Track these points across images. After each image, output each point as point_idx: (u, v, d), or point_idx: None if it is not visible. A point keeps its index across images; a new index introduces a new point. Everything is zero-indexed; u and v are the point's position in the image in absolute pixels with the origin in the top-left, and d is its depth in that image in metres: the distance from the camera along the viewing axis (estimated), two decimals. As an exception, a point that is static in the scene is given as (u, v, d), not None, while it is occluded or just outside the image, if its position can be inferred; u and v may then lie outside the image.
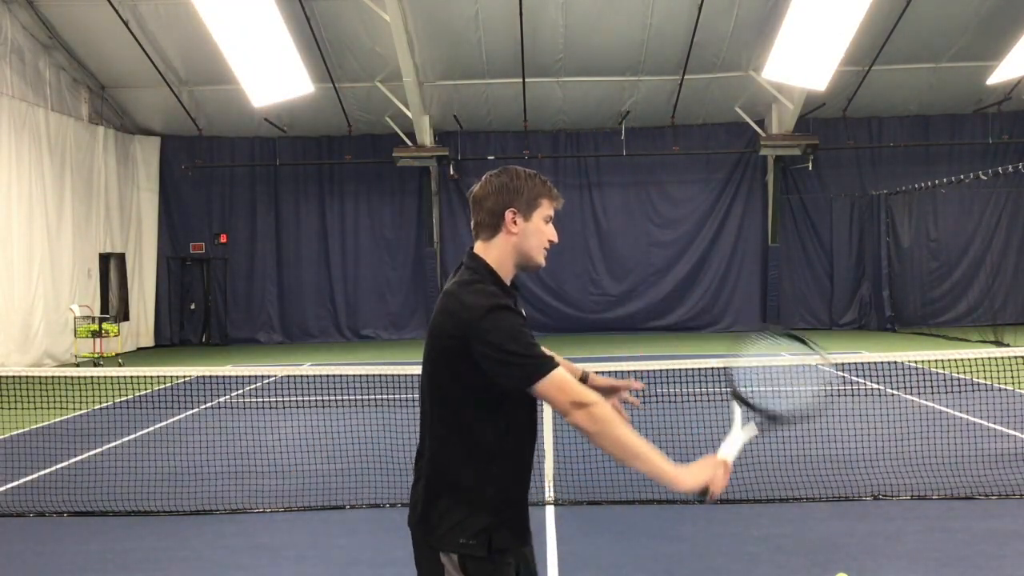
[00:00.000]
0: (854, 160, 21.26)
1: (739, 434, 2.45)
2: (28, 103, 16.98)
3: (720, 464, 2.33)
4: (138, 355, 19.25)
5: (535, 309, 20.40)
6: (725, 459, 2.35)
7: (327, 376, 10.39)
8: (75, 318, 17.32)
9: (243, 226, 21.57)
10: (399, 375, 7.17)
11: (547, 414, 6.33)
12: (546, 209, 2.47)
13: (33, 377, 11.44)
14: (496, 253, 2.44)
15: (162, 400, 11.21)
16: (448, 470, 2.36)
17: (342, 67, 18.76)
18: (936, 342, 17.50)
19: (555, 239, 2.48)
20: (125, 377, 9.53)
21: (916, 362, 11.92)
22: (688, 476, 2.27)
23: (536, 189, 2.46)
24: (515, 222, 2.42)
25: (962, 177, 18.21)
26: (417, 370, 7.28)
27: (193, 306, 21.75)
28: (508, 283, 2.45)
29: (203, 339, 21.56)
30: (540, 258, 2.46)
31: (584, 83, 19.42)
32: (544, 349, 2.32)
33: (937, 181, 18.91)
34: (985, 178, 18.06)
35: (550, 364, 2.26)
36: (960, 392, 9.59)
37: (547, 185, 2.49)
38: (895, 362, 11.30)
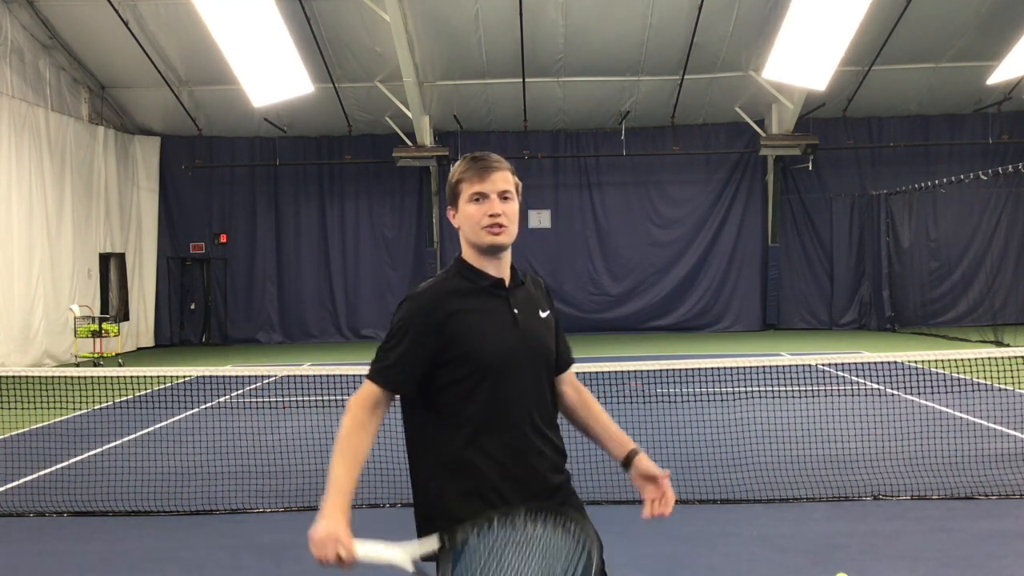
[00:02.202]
0: (854, 160, 21.26)
1: (390, 552, 2.12)
2: (28, 103, 16.98)
3: (336, 540, 2.09)
4: (138, 355, 19.25)
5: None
6: (347, 543, 2.09)
7: (327, 376, 10.38)
8: (75, 318, 17.32)
9: (243, 226, 21.58)
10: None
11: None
12: (467, 191, 2.37)
13: (33, 377, 11.43)
14: (462, 247, 2.46)
15: (162, 400, 11.21)
16: None
17: (342, 67, 18.76)
18: (936, 342, 17.49)
19: (490, 212, 2.33)
20: (125, 377, 9.55)
21: (916, 362, 11.92)
22: (321, 524, 2.11)
23: (454, 178, 2.41)
24: (454, 217, 2.44)
25: (962, 177, 18.21)
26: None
27: (193, 306, 21.76)
28: (491, 271, 2.39)
29: (203, 339, 21.57)
30: (484, 238, 2.35)
31: (584, 83, 19.42)
32: (394, 360, 2.28)
33: (937, 181, 18.91)
34: (985, 178, 18.06)
35: (374, 375, 2.31)
36: (960, 392, 9.58)
37: (466, 165, 2.39)
38: (895, 362, 11.31)
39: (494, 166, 2.37)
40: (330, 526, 2.12)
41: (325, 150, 21.46)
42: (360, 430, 2.31)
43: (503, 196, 2.36)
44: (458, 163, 2.42)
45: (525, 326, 2.38)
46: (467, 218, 2.37)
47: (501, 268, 2.42)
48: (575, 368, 2.70)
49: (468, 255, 2.42)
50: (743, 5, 17.29)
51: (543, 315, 2.47)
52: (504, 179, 2.37)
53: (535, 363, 2.38)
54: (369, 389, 2.33)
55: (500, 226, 2.35)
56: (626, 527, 5.79)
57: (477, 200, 2.35)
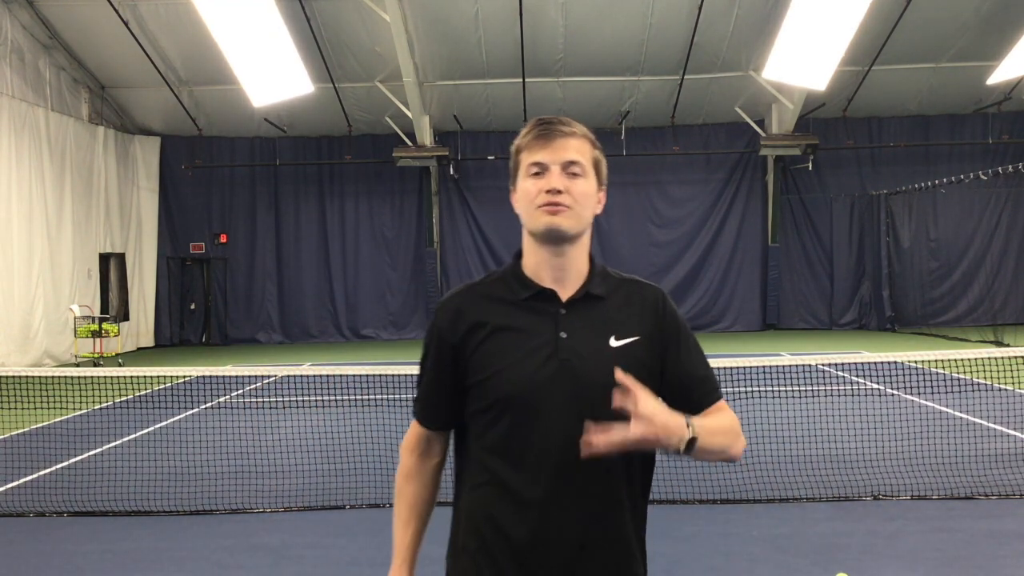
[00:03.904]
0: (854, 160, 21.26)
1: None
2: (28, 103, 16.98)
3: None
4: (138, 355, 19.25)
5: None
6: None
7: (327, 376, 10.38)
8: (75, 318, 17.31)
9: (243, 226, 21.58)
10: (399, 375, 7.17)
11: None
12: (525, 160, 1.87)
13: (33, 377, 11.43)
14: (523, 239, 1.96)
15: (162, 400, 11.20)
16: None
17: (342, 67, 18.76)
18: (936, 342, 17.49)
19: (547, 186, 1.82)
20: (125, 377, 9.55)
21: (916, 362, 11.91)
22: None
23: (514, 147, 1.92)
24: (515, 200, 1.94)
25: (962, 177, 18.21)
26: (412, 370, 7.29)
27: (193, 306, 21.76)
28: (545, 276, 1.88)
29: (203, 339, 21.57)
30: (537, 221, 1.83)
31: (584, 83, 19.42)
32: (422, 391, 1.98)
33: (937, 181, 18.91)
34: (985, 178, 18.07)
35: (417, 415, 2.01)
36: (960, 392, 9.58)
37: (529, 129, 1.89)
38: (895, 362, 11.30)
39: (562, 130, 1.84)
40: None
41: (325, 150, 21.46)
42: (408, 481, 2.00)
43: (570, 170, 1.83)
44: (524, 128, 1.92)
45: (570, 355, 1.82)
46: (523, 196, 1.86)
47: (564, 270, 1.87)
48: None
49: (525, 250, 1.93)
50: (743, 5, 17.29)
51: (616, 343, 1.85)
52: (576, 148, 1.84)
53: (579, 405, 1.79)
54: (412, 428, 2.03)
55: (558, 204, 1.80)
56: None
57: (536, 173, 1.84)
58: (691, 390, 1.91)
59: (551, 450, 1.80)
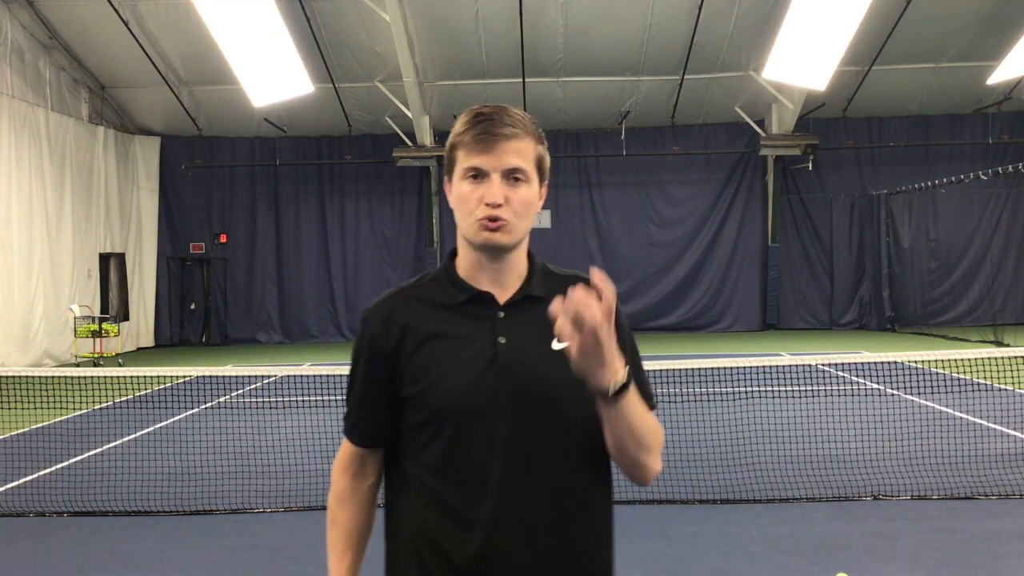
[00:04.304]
0: (854, 160, 21.26)
1: None
2: (28, 103, 16.98)
3: None
4: (138, 355, 19.25)
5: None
6: None
7: (327, 376, 10.37)
8: (75, 318, 17.32)
9: (243, 226, 21.58)
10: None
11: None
12: (463, 162, 1.70)
13: (33, 377, 11.43)
14: (458, 237, 1.80)
15: (162, 400, 11.20)
16: None
17: (342, 67, 18.76)
18: (936, 342, 17.49)
19: (487, 198, 1.67)
20: (125, 377, 9.55)
21: (916, 362, 11.91)
22: None
23: (450, 140, 1.74)
24: (449, 192, 1.77)
25: (962, 177, 18.21)
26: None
27: (193, 306, 21.76)
28: (483, 279, 1.75)
29: (203, 339, 21.57)
30: (475, 235, 1.69)
31: (584, 83, 19.42)
32: (351, 405, 1.84)
33: (937, 181, 18.91)
34: (985, 178, 18.07)
35: (347, 431, 1.86)
36: (960, 392, 9.58)
37: (466, 124, 1.71)
38: (895, 362, 11.30)
39: (504, 132, 1.68)
40: None
41: (325, 150, 21.46)
42: (342, 506, 1.86)
43: (512, 176, 1.69)
44: (460, 118, 1.75)
45: (509, 361, 1.69)
46: (459, 201, 1.72)
47: (502, 274, 1.75)
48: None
49: (460, 251, 1.80)
50: (743, 5, 17.29)
51: (558, 346, 1.65)
52: (519, 151, 1.69)
53: (524, 413, 1.67)
54: (343, 447, 1.87)
55: (499, 220, 1.68)
56: (626, 527, 5.79)
57: (474, 177, 1.69)
58: None
59: (495, 463, 1.67)
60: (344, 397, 1.86)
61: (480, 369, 1.69)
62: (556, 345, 1.64)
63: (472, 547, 1.67)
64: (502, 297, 1.75)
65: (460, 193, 1.70)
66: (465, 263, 1.77)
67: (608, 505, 1.80)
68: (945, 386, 10.16)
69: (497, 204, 1.67)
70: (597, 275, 1.52)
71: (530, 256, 1.81)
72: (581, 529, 1.72)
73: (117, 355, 18.05)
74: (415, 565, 1.74)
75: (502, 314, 1.73)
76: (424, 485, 1.73)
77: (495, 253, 1.72)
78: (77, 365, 16.65)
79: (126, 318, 20.12)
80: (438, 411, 1.69)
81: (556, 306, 1.49)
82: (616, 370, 1.55)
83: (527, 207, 1.72)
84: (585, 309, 1.47)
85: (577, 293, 1.47)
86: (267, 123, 20.22)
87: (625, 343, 1.74)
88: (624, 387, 1.57)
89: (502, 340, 1.71)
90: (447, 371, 1.69)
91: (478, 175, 1.68)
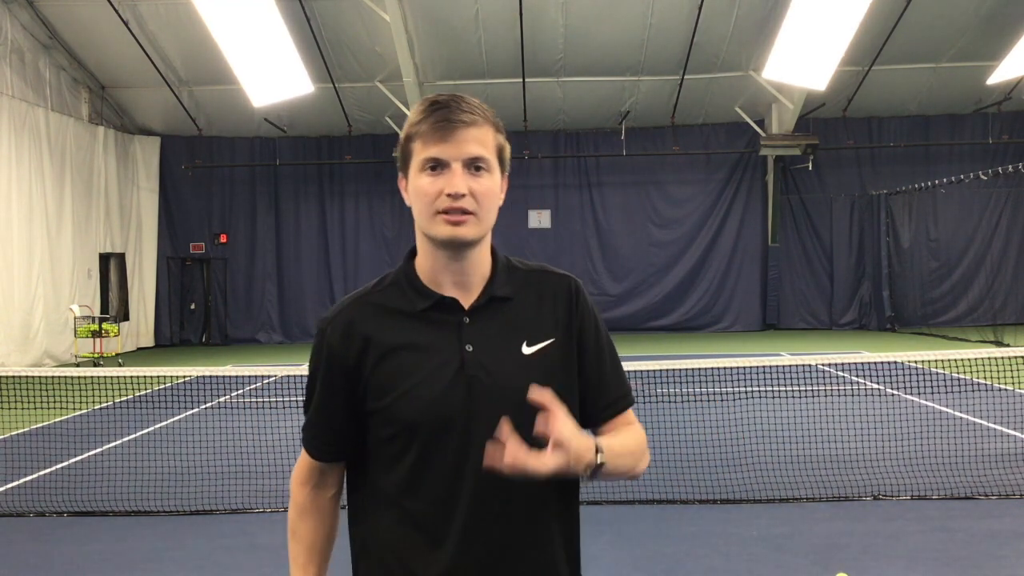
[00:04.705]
0: (854, 160, 21.26)
1: None
2: (28, 103, 16.98)
3: None
4: (138, 355, 19.25)
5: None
6: None
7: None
8: (75, 318, 17.32)
9: (243, 226, 21.58)
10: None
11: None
12: (420, 152, 1.61)
13: (33, 377, 11.42)
14: (416, 236, 1.71)
15: (162, 400, 11.20)
16: None
17: (342, 67, 18.76)
18: (936, 342, 17.49)
19: (448, 190, 1.58)
20: (125, 377, 9.54)
21: (916, 362, 11.91)
22: None
23: (406, 133, 1.65)
24: (405, 189, 1.68)
25: (962, 177, 18.21)
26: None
27: (193, 306, 21.76)
28: (445, 282, 1.67)
29: (203, 339, 21.57)
30: (437, 229, 1.60)
31: (584, 83, 19.42)
32: (311, 417, 1.75)
33: (937, 181, 18.91)
34: (985, 178, 18.07)
35: (305, 443, 1.78)
36: (960, 392, 9.58)
37: (422, 114, 1.61)
38: (895, 362, 11.30)
39: (462, 119, 1.58)
40: None
41: (325, 150, 21.46)
42: (303, 518, 1.79)
43: (473, 166, 1.60)
44: (414, 108, 1.66)
45: (477, 371, 1.62)
46: (417, 195, 1.62)
47: (465, 275, 1.66)
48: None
49: (420, 251, 1.70)
50: (743, 5, 17.29)
51: (529, 350, 1.66)
52: (479, 139, 1.60)
53: (489, 425, 1.56)
54: (302, 459, 1.79)
55: (463, 212, 1.59)
56: (626, 527, 5.79)
57: (433, 168, 1.59)
58: (601, 396, 1.73)
59: (465, 478, 1.61)
60: (303, 408, 1.78)
61: (448, 380, 1.61)
62: (527, 349, 1.64)
63: (443, 563, 1.62)
64: (466, 301, 1.67)
65: (418, 186, 1.61)
66: (426, 265, 1.68)
67: (576, 512, 1.78)
68: (945, 386, 10.16)
69: (460, 195, 1.57)
70: (536, 392, 1.50)
71: (493, 253, 1.72)
72: (550, 543, 1.68)
73: (117, 355, 18.05)
74: None
75: (467, 320, 1.65)
76: (392, 500, 1.66)
77: (458, 249, 1.63)
78: (77, 365, 16.65)
79: (126, 318, 20.12)
80: (407, 425, 1.62)
81: (537, 395, 1.49)
82: (586, 460, 1.53)
83: (491, 198, 1.62)
84: (550, 425, 1.47)
85: (549, 411, 1.47)
86: (267, 123, 20.22)
87: (600, 335, 1.75)
88: (598, 468, 1.56)
89: (469, 348, 1.63)
90: (414, 384, 1.62)
91: (437, 166, 1.59)
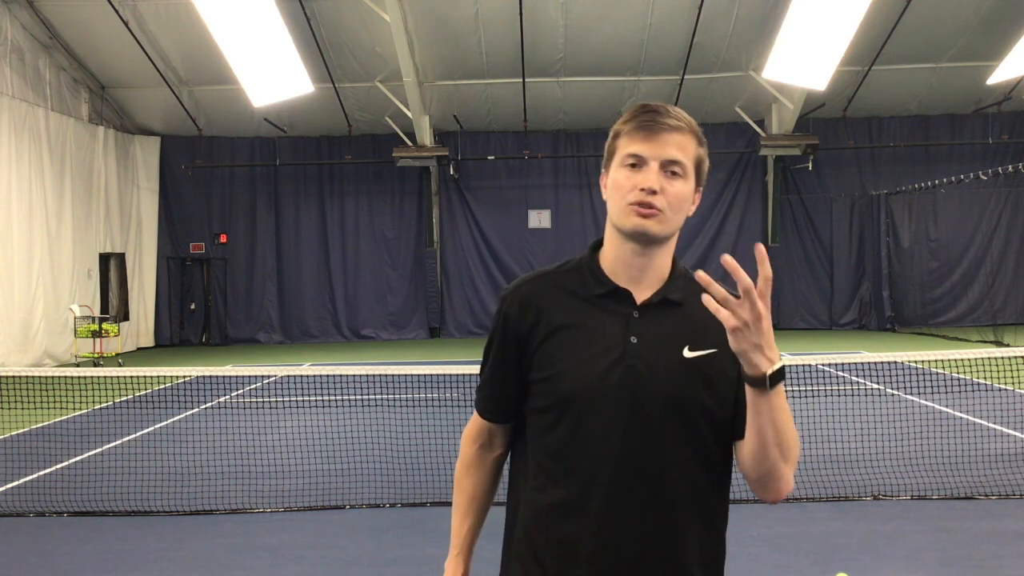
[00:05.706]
0: (854, 160, 21.27)
1: None
2: (28, 103, 16.98)
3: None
4: (138, 355, 19.25)
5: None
6: None
7: (327, 376, 10.39)
8: (75, 318, 17.31)
9: (243, 226, 21.58)
10: (399, 375, 7.18)
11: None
12: (623, 148, 1.71)
13: (33, 377, 11.44)
14: (606, 227, 1.80)
15: (162, 400, 11.21)
16: None
17: (342, 67, 18.76)
18: (936, 342, 17.49)
19: (642, 183, 1.67)
20: (125, 377, 9.55)
21: (916, 362, 11.92)
22: (448, 565, 1.94)
23: (613, 130, 1.76)
24: (604, 185, 1.79)
25: (962, 177, 18.21)
26: (412, 370, 7.31)
27: (193, 306, 21.76)
28: (621, 274, 1.75)
29: (203, 339, 21.57)
30: (625, 220, 1.69)
31: (584, 83, 19.42)
32: (483, 380, 1.88)
33: (937, 181, 18.92)
34: (985, 178, 18.07)
35: (477, 405, 1.91)
36: (960, 392, 9.58)
37: (631, 115, 1.73)
38: (895, 362, 11.30)
39: (668, 123, 1.68)
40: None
41: (325, 150, 21.46)
42: (468, 473, 1.93)
43: (669, 169, 1.69)
44: (626, 111, 1.77)
45: (637, 362, 1.69)
46: (613, 188, 1.73)
47: (644, 272, 1.75)
48: None
49: (608, 242, 1.79)
50: (743, 5, 17.29)
51: (690, 355, 1.70)
52: (680, 145, 1.69)
53: (643, 415, 1.67)
54: (473, 419, 1.94)
55: (652, 207, 1.68)
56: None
57: (633, 165, 1.69)
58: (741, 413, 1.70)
59: (608, 460, 1.68)
60: (479, 372, 1.91)
61: (608, 365, 1.69)
62: (688, 353, 1.69)
63: (582, 539, 1.70)
64: (640, 296, 1.74)
65: (615, 180, 1.71)
66: (609, 256, 1.77)
67: (721, 526, 1.77)
68: (945, 386, 10.16)
69: (652, 191, 1.67)
70: (761, 250, 1.59)
71: (674, 260, 1.82)
72: (684, 544, 1.70)
73: (117, 355, 18.05)
74: (528, 547, 1.77)
75: (636, 314, 1.73)
76: (541, 469, 1.75)
77: (644, 243, 1.72)
78: (77, 365, 16.65)
79: (126, 318, 20.12)
80: (562, 399, 1.71)
81: (710, 300, 1.53)
82: (774, 356, 1.53)
83: (681, 201, 1.72)
84: (745, 277, 1.51)
85: (732, 262, 1.53)
86: (267, 123, 20.22)
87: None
88: (780, 375, 1.53)
89: (633, 339, 1.70)
90: (575, 361, 1.71)
91: (637, 163, 1.69)
